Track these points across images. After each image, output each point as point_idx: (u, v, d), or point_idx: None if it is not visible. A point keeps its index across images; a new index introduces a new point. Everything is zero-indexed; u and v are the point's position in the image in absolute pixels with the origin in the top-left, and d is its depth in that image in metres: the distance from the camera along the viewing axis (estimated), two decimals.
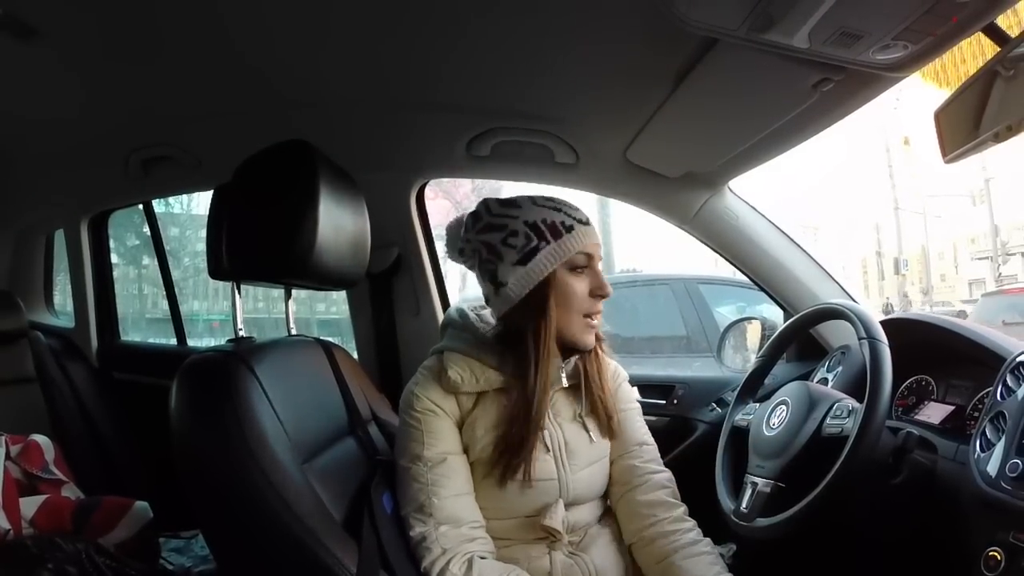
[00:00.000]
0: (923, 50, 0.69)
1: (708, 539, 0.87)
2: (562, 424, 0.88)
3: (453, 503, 0.81)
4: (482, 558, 0.79)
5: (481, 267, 0.87)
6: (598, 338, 0.90)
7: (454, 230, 0.93)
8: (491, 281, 0.85)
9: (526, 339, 0.83)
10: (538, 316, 0.83)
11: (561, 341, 0.85)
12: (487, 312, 0.91)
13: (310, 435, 0.84)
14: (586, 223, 0.86)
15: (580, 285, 0.84)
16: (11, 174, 1.52)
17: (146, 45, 0.99)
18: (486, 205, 0.88)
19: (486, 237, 0.86)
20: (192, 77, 1.10)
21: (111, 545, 1.10)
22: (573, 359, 0.89)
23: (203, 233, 0.93)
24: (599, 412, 0.89)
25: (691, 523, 0.88)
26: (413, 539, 0.79)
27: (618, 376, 0.96)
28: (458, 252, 0.92)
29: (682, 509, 0.89)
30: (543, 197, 0.88)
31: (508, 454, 0.82)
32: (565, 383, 0.89)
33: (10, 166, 1.49)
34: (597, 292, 0.85)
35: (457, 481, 0.82)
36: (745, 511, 0.89)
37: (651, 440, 0.94)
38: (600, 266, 0.88)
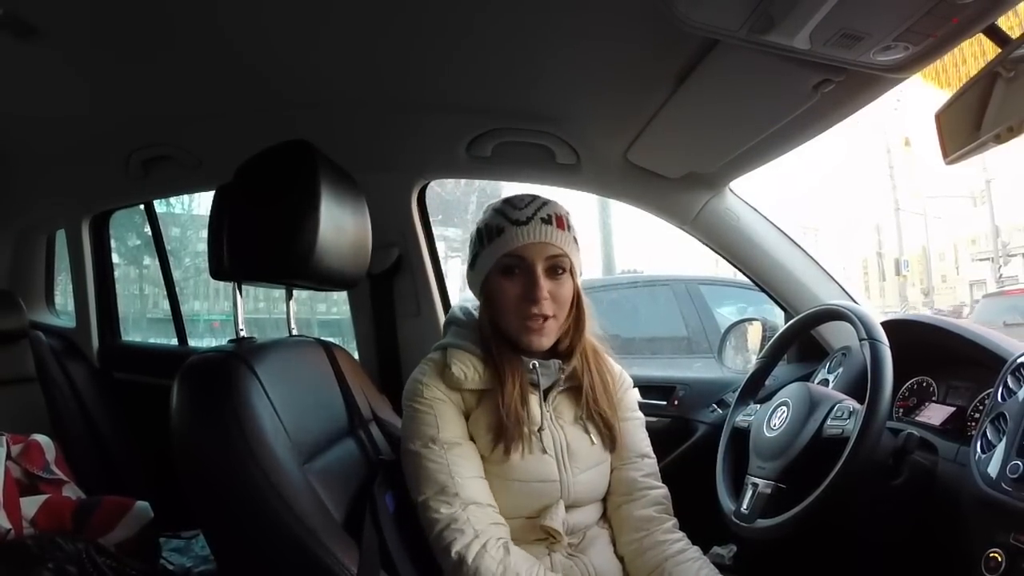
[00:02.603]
0: (924, 51, 0.69)
1: (697, 547, 0.87)
2: (564, 426, 0.88)
3: (474, 484, 0.81)
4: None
5: None
6: (593, 346, 0.89)
7: None
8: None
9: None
10: (481, 317, 0.88)
11: (511, 342, 0.86)
12: None
13: (311, 435, 0.84)
14: (523, 223, 0.83)
15: (510, 288, 0.84)
16: (12, 174, 1.53)
17: (147, 44, 0.99)
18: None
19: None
20: (193, 77, 1.10)
21: (111, 545, 1.11)
22: (556, 361, 0.88)
23: (204, 233, 0.93)
24: (595, 418, 0.89)
25: (680, 534, 0.88)
26: (439, 522, 0.78)
27: (624, 383, 0.96)
28: None
29: (673, 522, 0.89)
30: (507, 198, 0.88)
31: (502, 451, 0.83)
32: (543, 383, 0.87)
33: (11, 166, 1.49)
34: (525, 296, 0.83)
35: (473, 464, 0.82)
36: (746, 512, 0.88)
37: (652, 453, 0.94)
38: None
